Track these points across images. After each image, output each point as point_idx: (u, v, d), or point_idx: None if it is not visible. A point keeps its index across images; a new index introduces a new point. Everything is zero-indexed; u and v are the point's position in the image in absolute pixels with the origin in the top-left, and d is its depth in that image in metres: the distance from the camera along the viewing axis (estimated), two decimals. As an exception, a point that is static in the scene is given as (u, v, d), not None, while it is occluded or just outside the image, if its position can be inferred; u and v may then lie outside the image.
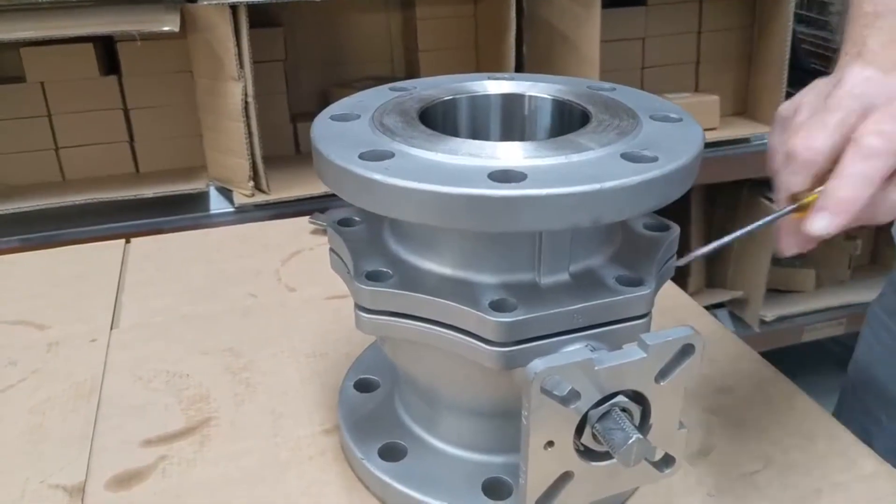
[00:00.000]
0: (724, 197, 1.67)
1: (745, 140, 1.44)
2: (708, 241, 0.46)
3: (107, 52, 1.26)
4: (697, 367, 0.37)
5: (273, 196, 1.20)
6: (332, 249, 0.47)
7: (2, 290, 0.72)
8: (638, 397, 0.37)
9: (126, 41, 1.22)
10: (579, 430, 0.36)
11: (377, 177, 0.36)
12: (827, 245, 1.87)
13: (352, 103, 0.47)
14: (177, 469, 0.49)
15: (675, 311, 0.67)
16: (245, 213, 1.20)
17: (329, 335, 0.63)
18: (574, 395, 0.35)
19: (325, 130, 0.42)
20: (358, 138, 0.40)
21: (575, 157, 0.37)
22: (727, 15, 1.51)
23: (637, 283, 0.39)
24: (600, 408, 0.36)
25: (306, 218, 0.84)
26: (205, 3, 1.04)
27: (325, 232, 0.83)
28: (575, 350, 0.36)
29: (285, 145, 1.39)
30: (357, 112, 0.44)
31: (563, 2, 1.35)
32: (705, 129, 0.41)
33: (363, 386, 0.54)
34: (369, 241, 0.45)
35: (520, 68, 1.31)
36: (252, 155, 1.14)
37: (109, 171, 1.30)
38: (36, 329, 0.65)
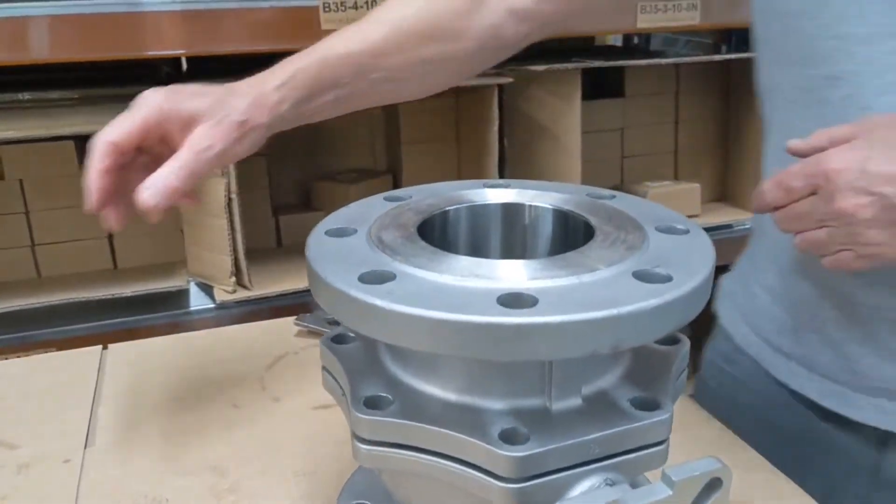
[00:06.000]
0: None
1: (728, 226, 1.45)
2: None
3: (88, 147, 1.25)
4: (726, 503, 0.34)
5: (255, 292, 1.17)
6: (324, 368, 0.45)
7: (-31, 404, 0.68)
8: (662, 535, 0.34)
9: (108, 137, 1.21)
10: (601, 574, 0.34)
11: (379, 303, 0.34)
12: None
13: (347, 215, 0.45)
14: None
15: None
16: (226, 310, 1.17)
17: (318, 449, 0.60)
18: (597, 539, 0.32)
19: (320, 248, 0.40)
20: (356, 256, 0.39)
21: (586, 278, 0.35)
22: (703, 105, 1.54)
23: (654, 405, 0.37)
24: (624, 550, 0.33)
25: (291, 319, 0.82)
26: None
27: (309, 334, 0.80)
28: (597, 491, 0.33)
29: (267, 238, 1.37)
30: (353, 226, 0.43)
31: (543, 95, 1.37)
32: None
33: (357, 511, 0.50)
34: (366, 361, 0.42)
35: (502, 159, 1.32)
36: (234, 251, 1.12)
37: (86, 267, 1.27)
38: (7, 449, 0.61)
